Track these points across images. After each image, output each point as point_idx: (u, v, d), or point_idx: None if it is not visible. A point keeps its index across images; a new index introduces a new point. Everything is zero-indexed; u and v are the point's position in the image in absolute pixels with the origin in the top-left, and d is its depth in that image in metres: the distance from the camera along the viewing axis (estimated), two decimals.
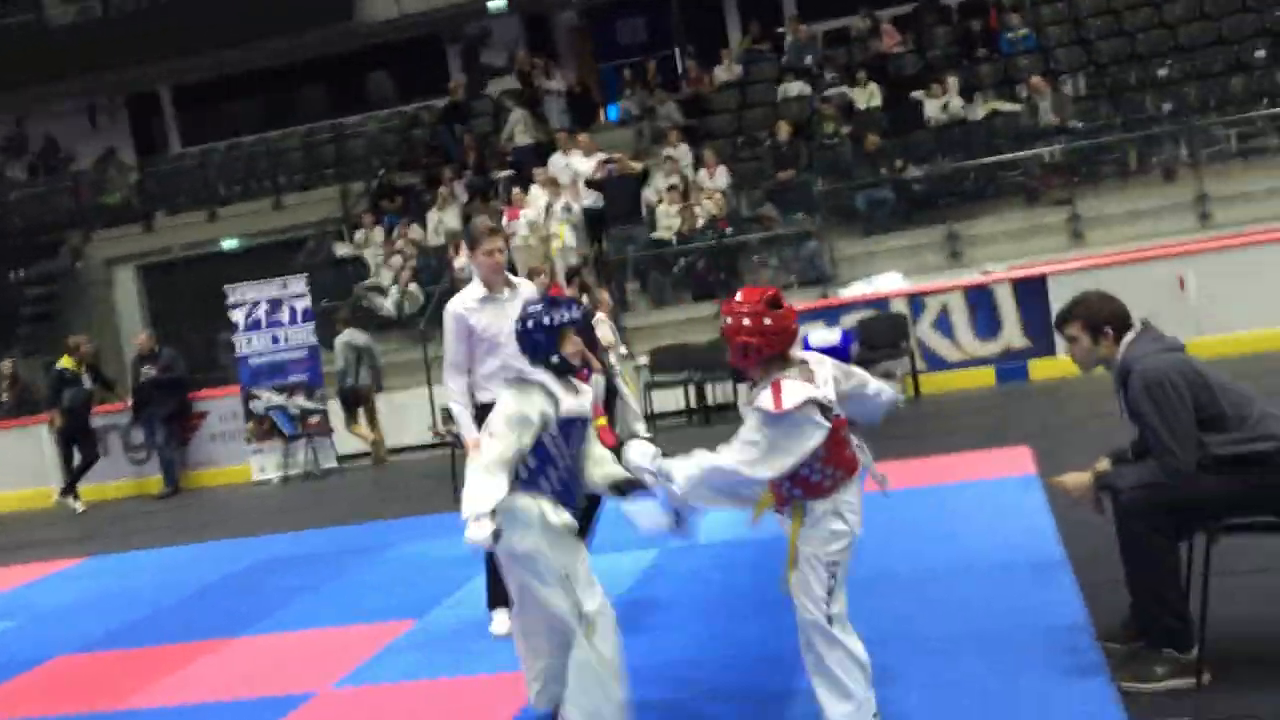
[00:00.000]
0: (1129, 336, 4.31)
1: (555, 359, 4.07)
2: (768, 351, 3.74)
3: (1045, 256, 12.97)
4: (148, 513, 12.28)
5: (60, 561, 9.76)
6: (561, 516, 3.99)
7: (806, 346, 11.99)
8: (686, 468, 3.78)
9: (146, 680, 5.85)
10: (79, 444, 13.24)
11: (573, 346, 4.09)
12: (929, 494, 7.43)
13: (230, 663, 5.99)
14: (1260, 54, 14.72)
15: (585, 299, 10.57)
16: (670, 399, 12.65)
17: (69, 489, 13.11)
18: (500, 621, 5.54)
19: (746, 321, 3.72)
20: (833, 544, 3.83)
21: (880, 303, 12.58)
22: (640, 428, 10.34)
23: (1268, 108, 13.89)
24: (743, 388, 4.21)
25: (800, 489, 3.80)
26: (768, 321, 3.72)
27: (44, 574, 9.31)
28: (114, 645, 6.68)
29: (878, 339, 12.33)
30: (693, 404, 12.66)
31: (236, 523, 10.74)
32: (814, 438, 3.69)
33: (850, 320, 12.45)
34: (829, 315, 12.67)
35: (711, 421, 12.40)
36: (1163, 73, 14.91)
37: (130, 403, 13.63)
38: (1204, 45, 15.24)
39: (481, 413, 5.33)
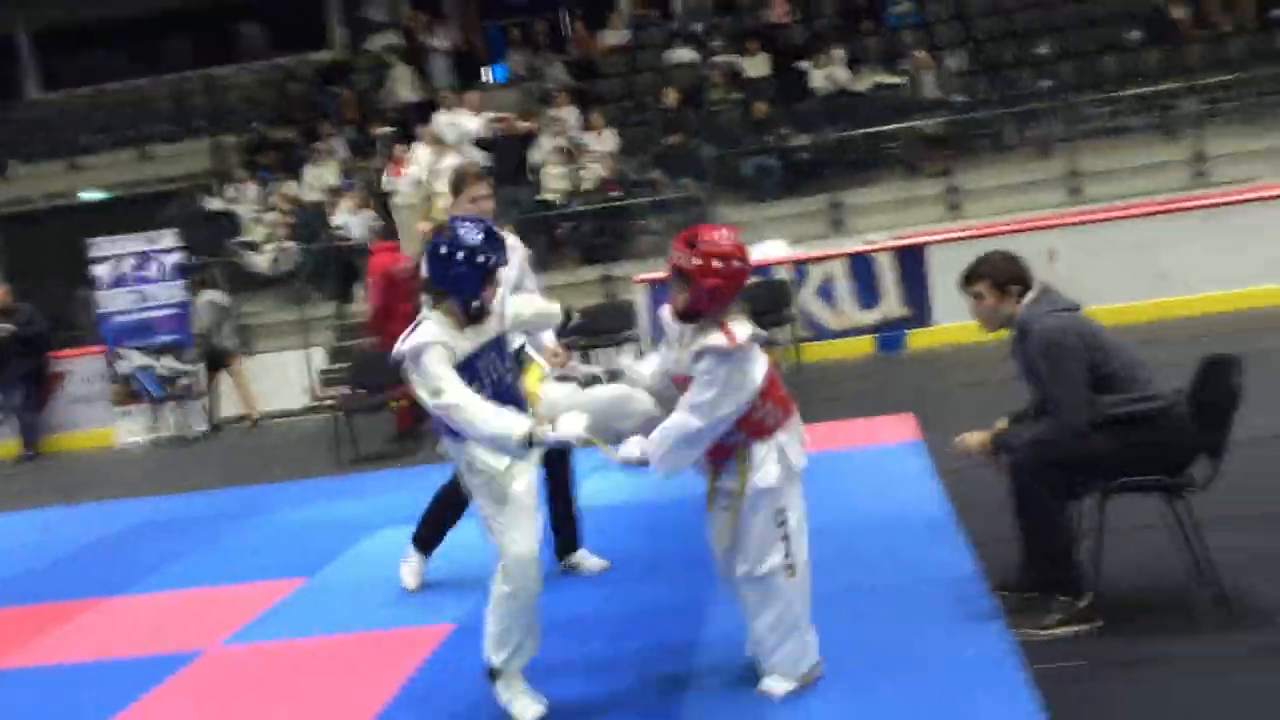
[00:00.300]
0: (1029, 296, 4.41)
1: (475, 304, 3.78)
2: (730, 295, 3.69)
3: (924, 227, 13.27)
4: (6, 476, 11.71)
5: None
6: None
7: None
8: (658, 446, 3.72)
9: (22, 640, 5.59)
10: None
11: (494, 292, 3.83)
12: (816, 460, 7.45)
13: (110, 622, 5.76)
14: (1134, 35, 15.25)
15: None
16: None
17: None
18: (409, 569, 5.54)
19: (717, 264, 3.62)
20: (782, 486, 3.85)
21: (765, 270, 12.69)
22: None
23: (1139, 87, 14.41)
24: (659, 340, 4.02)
25: (745, 430, 3.78)
26: (736, 264, 3.68)
27: None
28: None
29: (762, 306, 12.44)
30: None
31: (103, 487, 10.30)
32: (762, 369, 3.74)
33: None
34: None
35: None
36: (1042, 50, 15.34)
37: None
38: (1079, 26, 15.73)
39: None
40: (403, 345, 3.77)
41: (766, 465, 3.79)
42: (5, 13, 19.55)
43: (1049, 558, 4.23)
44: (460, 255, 3.72)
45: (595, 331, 12.63)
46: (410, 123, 16.21)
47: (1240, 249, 11.21)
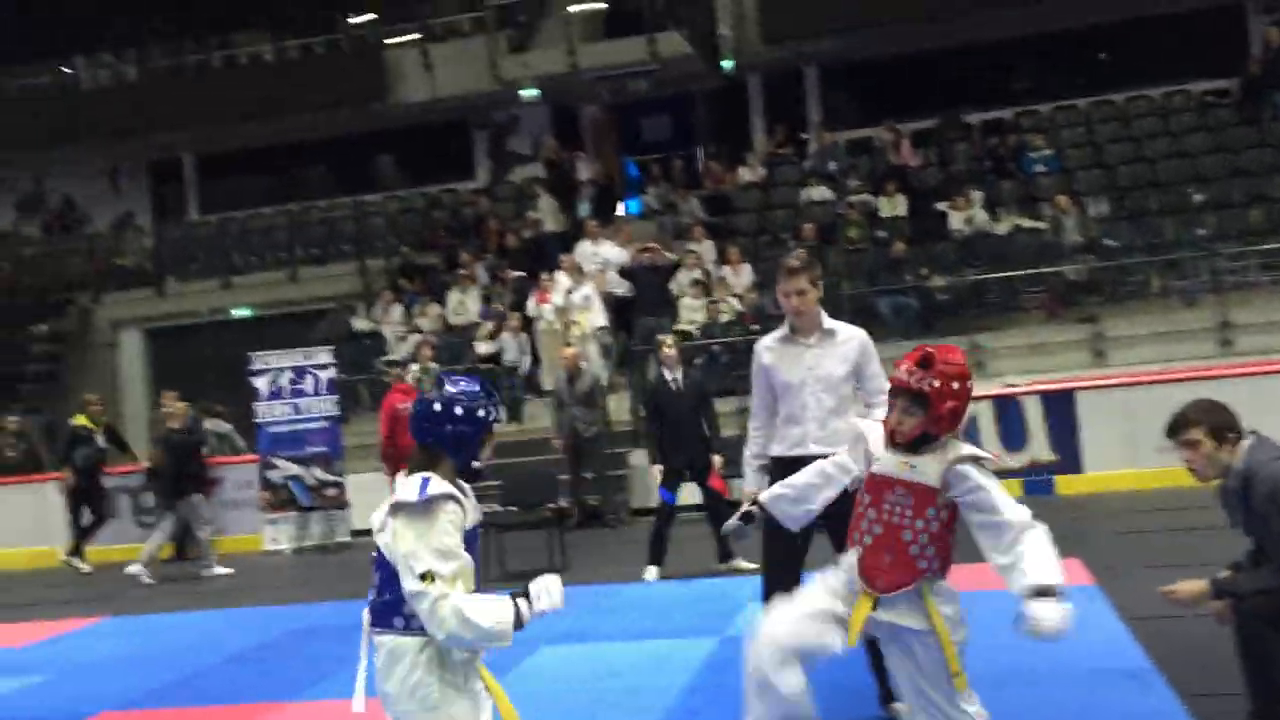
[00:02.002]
0: (1246, 443, 4.33)
1: (475, 462, 3.38)
2: (963, 416, 3.65)
3: (1066, 373, 13.12)
4: (161, 576, 12.03)
5: (77, 620, 9.53)
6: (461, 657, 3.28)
7: None
8: (1055, 562, 3.56)
9: None
10: (90, 503, 13.03)
11: (489, 451, 3.45)
12: (979, 598, 7.38)
13: None
14: None
15: None
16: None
17: (76, 549, 12.85)
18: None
19: (955, 385, 3.55)
20: (960, 630, 3.72)
21: None
22: None
23: None
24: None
25: (940, 558, 3.67)
26: (970, 384, 3.63)
27: (62, 631, 9.09)
28: (157, 704, 6.49)
29: None
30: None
31: (254, 591, 10.54)
32: None
33: None
34: None
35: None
36: (1199, 198, 15.23)
37: (147, 464, 13.45)
38: (1224, 176, 15.65)
39: (776, 466, 4.88)
40: (413, 491, 3.21)
41: (947, 607, 3.65)
42: (173, 138, 20.86)
43: None
44: (460, 411, 3.31)
45: (735, 460, 12.67)
46: (550, 252, 16.71)
47: None
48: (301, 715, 6.04)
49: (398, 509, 3.22)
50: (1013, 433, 12.09)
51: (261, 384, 13.46)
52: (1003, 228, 15.61)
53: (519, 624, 3.18)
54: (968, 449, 3.60)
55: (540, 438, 13.43)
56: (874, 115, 18.63)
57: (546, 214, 17.64)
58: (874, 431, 3.76)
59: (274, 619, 8.80)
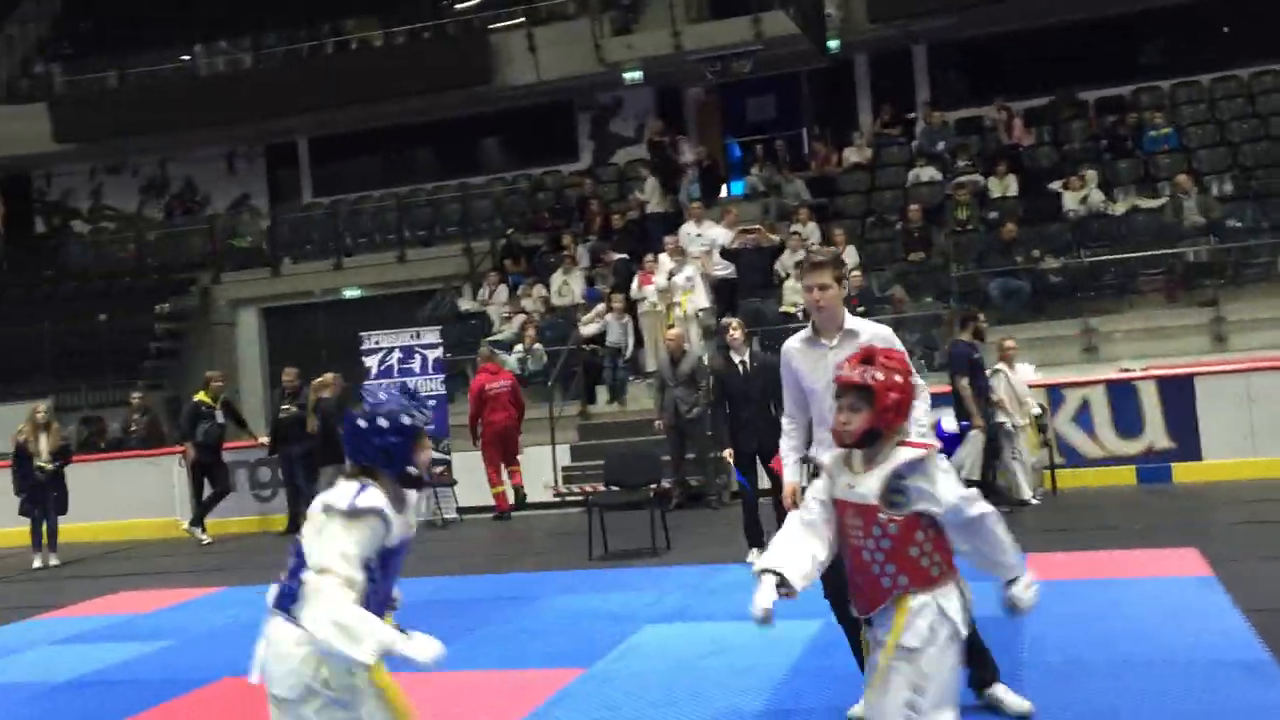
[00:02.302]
0: None
1: (411, 469, 3.39)
2: (908, 413, 3.52)
3: (1185, 358, 12.73)
4: (276, 549, 12.40)
5: (199, 589, 9.91)
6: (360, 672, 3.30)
7: (940, 433, 11.77)
8: (1011, 553, 3.49)
9: None
10: (211, 477, 13.48)
11: (426, 454, 3.43)
12: (1096, 587, 7.26)
13: (409, 696, 5.97)
14: None
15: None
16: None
17: (198, 520, 13.33)
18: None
19: (898, 378, 3.46)
20: (927, 649, 3.39)
21: None
22: (1026, 491, 9.64)
23: None
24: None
25: (908, 574, 3.43)
26: (912, 378, 3.57)
27: (185, 599, 9.45)
28: None
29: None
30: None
31: None
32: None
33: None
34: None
35: None
36: None
37: (267, 439, 13.86)
38: None
39: (814, 465, 4.70)
40: (345, 498, 3.30)
41: (918, 621, 3.40)
42: (288, 123, 21.41)
43: None
44: (384, 423, 3.35)
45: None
46: (654, 234, 16.74)
47: None
48: (414, 685, 6.18)
49: (327, 509, 3.30)
50: (1128, 419, 11.79)
51: (372, 363, 13.76)
52: (1119, 208, 15.18)
53: (386, 650, 3.21)
54: (903, 455, 3.42)
55: (642, 419, 13.51)
56: (984, 94, 18.25)
57: (650, 195, 17.67)
58: (825, 447, 3.78)
59: None
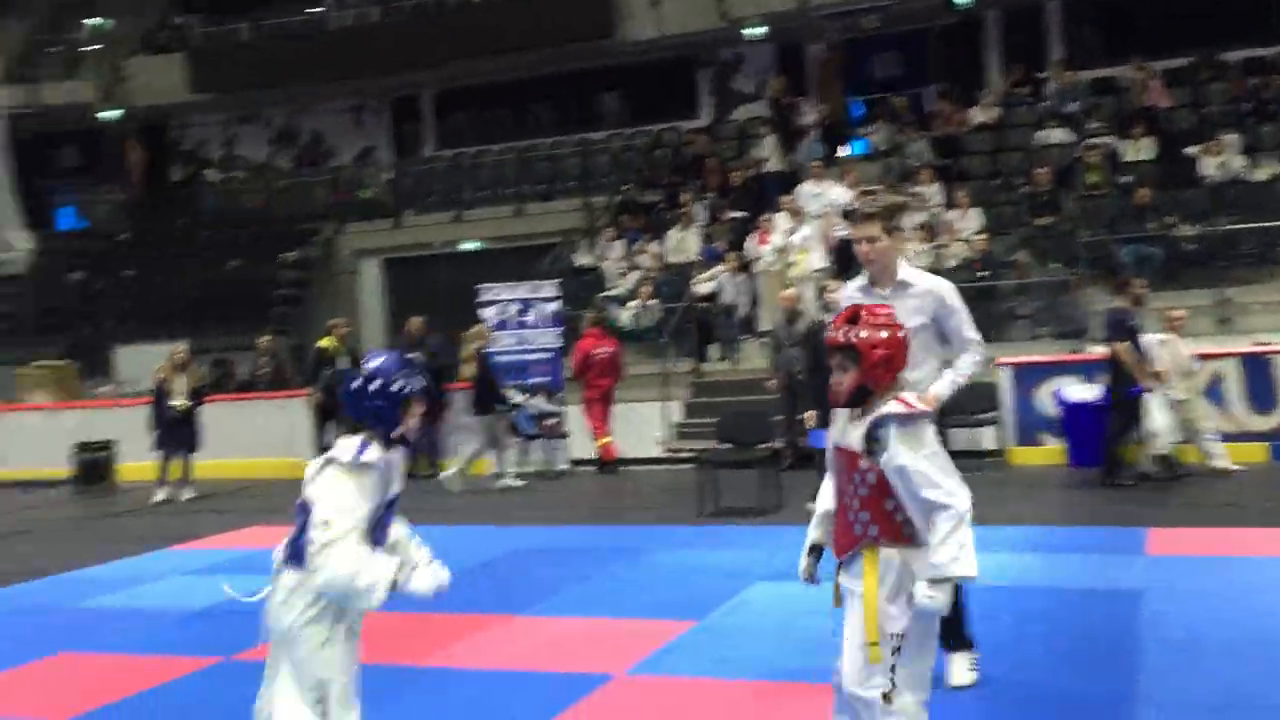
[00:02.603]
0: None
1: (397, 433, 3.61)
2: (900, 367, 3.54)
3: None
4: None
5: None
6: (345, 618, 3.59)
7: (1061, 401, 11.49)
8: (958, 551, 3.34)
9: (439, 643, 6.06)
10: (336, 420, 13.86)
11: (415, 420, 3.65)
12: (1221, 564, 7.07)
13: (519, 637, 6.15)
14: None
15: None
16: None
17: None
18: (959, 671, 4.97)
19: (883, 334, 3.50)
20: (895, 604, 3.43)
21: None
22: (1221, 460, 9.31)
23: None
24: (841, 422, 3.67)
25: (880, 525, 3.48)
26: (900, 334, 3.55)
27: None
28: (400, 608, 6.86)
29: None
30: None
31: (479, 512, 11.06)
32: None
33: (1108, 378, 11.98)
34: (1085, 370, 12.21)
35: None
36: None
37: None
38: None
39: None
40: (350, 452, 3.55)
41: (889, 576, 3.44)
42: (413, 76, 21.73)
43: None
44: (374, 386, 3.58)
45: (958, 411, 12.43)
46: (771, 193, 16.60)
47: None
48: (529, 628, 6.36)
49: (329, 462, 3.55)
50: (1261, 393, 11.37)
51: (490, 314, 13.98)
52: (1261, 174, 14.54)
53: (394, 587, 3.46)
54: (889, 406, 3.44)
55: (754, 378, 13.47)
56: (1120, 53, 17.58)
57: (768, 153, 17.50)
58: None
59: (500, 538, 9.25)
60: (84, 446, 14.57)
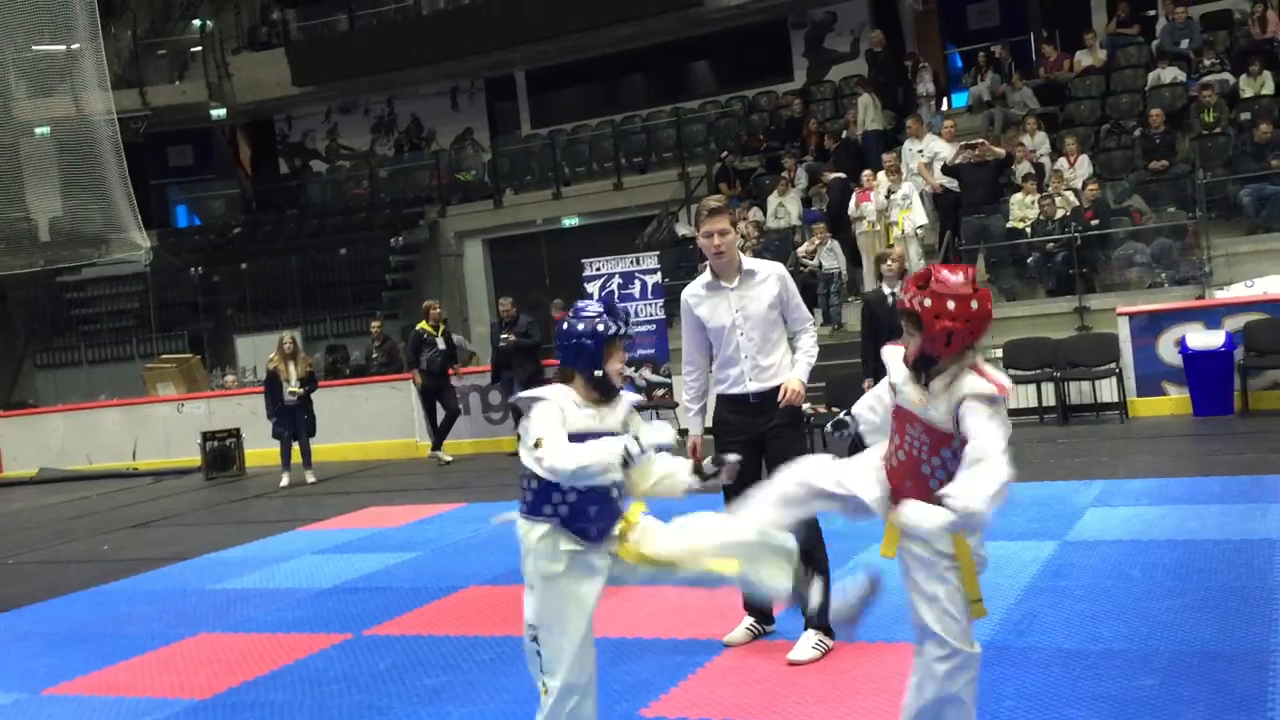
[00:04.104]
0: None
1: (598, 373, 3.68)
2: (969, 340, 3.36)
3: None
4: (505, 469, 12.98)
5: (440, 505, 10.49)
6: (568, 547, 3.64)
7: (1184, 350, 11.18)
8: (991, 500, 3.17)
9: None
10: (441, 401, 14.15)
11: (618, 363, 3.72)
12: None
13: (639, 605, 6.20)
14: None
15: None
16: (1024, 395, 12.18)
17: (437, 444, 14.04)
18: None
19: (951, 305, 3.31)
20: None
21: (1271, 305, 11.61)
22: None
23: None
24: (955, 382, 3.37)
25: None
26: (974, 305, 3.33)
27: (429, 515, 10.03)
28: (520, 580, 7.04)
29: (1265, 345, 11.40)
30: (1049, 402, 12.17)
31: None
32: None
33: (1233, 323, 11.58)
34: (1207, 316, 11.83)
35: (1069, 421, 11.86)
36: None
37: (490, 366, 14.45)
38: None
39: (722, 404, 5.22)
40: (523, 394, 3.77)
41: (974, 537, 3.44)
42: (505, 56, 21.89)
43: None
44: (580, 327, 3.70)
45: (1073, 364, 12.17)
46: (871, 151, 16.35)
47: None
48: (647, 595, 6.40)
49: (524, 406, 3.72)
50: None
51: (593, 289, 14.07)
52: None
53: (628, 460, 3.48)
54: (976, 385, 3.30)
55: (859, 340, 13.30)
56: None
57: (866, 112, 17.22)
58: (894, 358, 3.58)
59: None
60: (211, 435, 15.11)
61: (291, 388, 13.38)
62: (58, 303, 22.87)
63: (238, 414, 15.86)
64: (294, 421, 13.48)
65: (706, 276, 5.16)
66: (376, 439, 15.26)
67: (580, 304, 3.82)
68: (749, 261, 5.16)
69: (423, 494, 11.57)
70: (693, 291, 5.21)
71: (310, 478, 13.35)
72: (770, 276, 5.11)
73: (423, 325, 14.32)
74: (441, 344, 14.19)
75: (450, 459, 13.86)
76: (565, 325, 3.75)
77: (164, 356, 19.38)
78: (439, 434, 14.11)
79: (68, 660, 6.17)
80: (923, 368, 3.41)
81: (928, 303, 3.34)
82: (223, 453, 15.02)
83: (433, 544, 8.56)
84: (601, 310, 3.74)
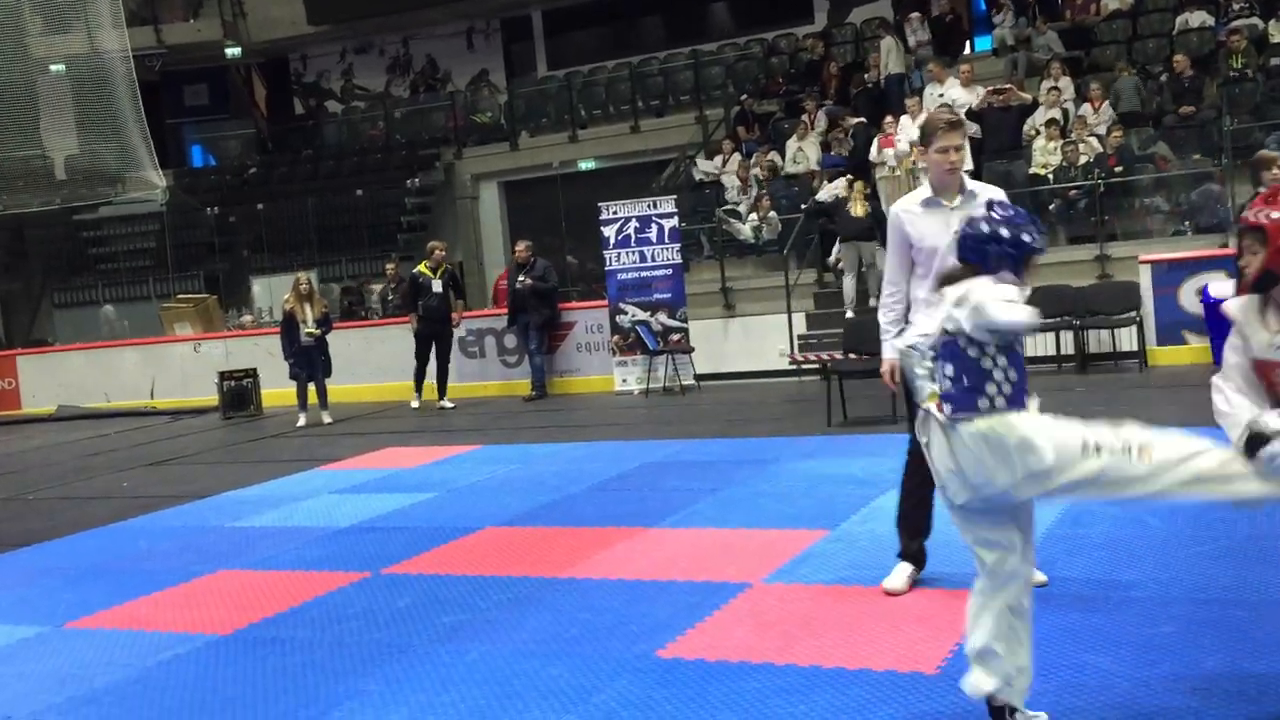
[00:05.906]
0: None
1: (1020, 282, 3.44)
2: None
3: None
4: (520, 413, 13.02)
5: (456, 447, 10.52)
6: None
7: (1206, 299, 11.06)
8: None
9: (577, 555, 6.18)
10: (437, 346, 14.07)
11: (1031, 278, 3.47)
12: None
13: (655, 548, 6.22)
14: None
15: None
16: (1042, 343, 12.12)
17: (441, 393, 13.97)
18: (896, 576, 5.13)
19: None
20: None
21: None
22: None
23: None
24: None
25: None
26: None
27: (445, 456, 10.06)
28: (536, 522, 7.10)
29: None
30: (1067, 350, 12.11)
31: (608, 428, 11.20)
32: None
33: None
34: (1229, 265, 11.67)
35: (1088, 370, 11.81)
36: None
37: (507, 309, 14.43)
38: None
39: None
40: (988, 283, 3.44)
41: None
42: None
43: None
44: (1005, 233, 3.41)
45: (1093, 312, 12.10)
46: (893, 96, 16.15)
47: None
48: (664, 539, 6.43)
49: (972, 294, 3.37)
50: None
51: (609, 232, 14.00)
52: None
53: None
54: None
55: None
56: None
57: (888, 55, 16.98)
58: (1234, 305, 3.47)
59: (630, 453, 9.35)
60: (228, 375, 15.16)
61: (308, 329, 13.37)
62: (75, 241, 22.90)
63: (254, 354, 15.91)
64: (310, 363, 13.49)
65: (924, 192, 4.86)
66: (391, 380, 15.28)
67: (1004, 209, 3.50)
68: (971, 183, 4.88)
69: (438, 435, 11.61)
70: (905, 207, 4.90)
71: (326, 418, 13.39)
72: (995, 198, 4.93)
73: (421, 267, 14.15)
74: (438, 287, 13.99)
75: (453, 405, 13.86)
76: (988, 229, 3.43)
77: (180, 296, 19.41)
78: (438, 381, 14.04)
79: (89, 595, 6.23)
80: (1265, 287, 3.34)
81: (1276, 215, 3.27)
82: (240, 393, 15.07)
83: (449, 485, 8.59)
84: (1026, 220, 3.47)
